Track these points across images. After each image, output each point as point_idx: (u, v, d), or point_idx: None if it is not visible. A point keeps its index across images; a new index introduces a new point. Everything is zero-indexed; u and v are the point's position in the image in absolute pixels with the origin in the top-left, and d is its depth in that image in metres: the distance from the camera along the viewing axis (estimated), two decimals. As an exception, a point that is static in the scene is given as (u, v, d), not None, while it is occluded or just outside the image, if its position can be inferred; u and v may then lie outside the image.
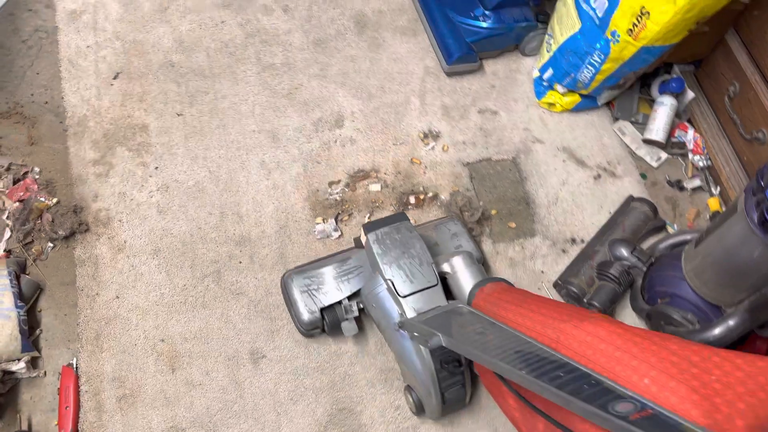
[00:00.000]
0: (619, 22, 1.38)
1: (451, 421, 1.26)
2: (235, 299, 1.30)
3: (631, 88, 1.67)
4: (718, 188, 1.59)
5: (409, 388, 1.20)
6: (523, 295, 1.11)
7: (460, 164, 1.56)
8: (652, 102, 1.68)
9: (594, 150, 1.63)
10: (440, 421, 1.25)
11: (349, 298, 1.23)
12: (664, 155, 1.64)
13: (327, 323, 1.22)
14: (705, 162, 1.61)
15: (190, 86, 1.54)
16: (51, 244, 1.30)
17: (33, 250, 1.29)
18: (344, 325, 1.21)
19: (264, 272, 1.34)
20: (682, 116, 1.67)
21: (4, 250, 1.27)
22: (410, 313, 1.12)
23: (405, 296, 1.13)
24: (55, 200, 1.34)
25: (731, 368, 0.72)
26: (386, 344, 1.26)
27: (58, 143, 1.42)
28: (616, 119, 1.67)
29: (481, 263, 1.34)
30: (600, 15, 1.43)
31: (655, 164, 1.63)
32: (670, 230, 1.53)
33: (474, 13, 1.62)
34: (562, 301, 1.40)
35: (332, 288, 1.23)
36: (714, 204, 1.57)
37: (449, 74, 1.66)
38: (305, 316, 1.21)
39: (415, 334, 1.04)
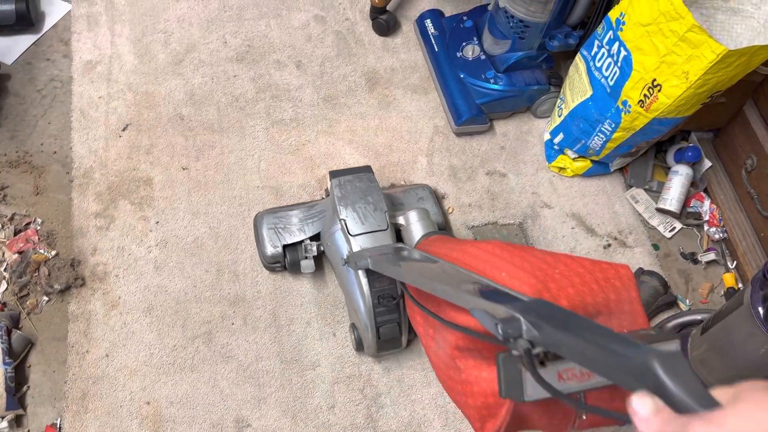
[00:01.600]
0: (631, 92, 1.35)
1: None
2: (225, 363, 1.28)
3: (646, 154, 1.63)
4: (734, 263, 1.53)
5: (352, 326, 1.29)
6: (455, 238, 1.27)
7: (465, 227, 1.52)
8: (667, 169, 1.63)
9: (605, 218, 1.58)
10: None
11: (312, 240, 1.34)
12: (678, 225, 1.58)
13: (288, 259, 1.33)
14: (721, 235, 1.55)
15: (197, 140, 1.55)
16: (46, 298, 1.30)
17: (28, 303, 1.29)
18: (303, 263, 1.31)
19: (256, 334, 1.32)
20: (698, 185, 1.61)
21: (-1, 303, 1.28)
22: (357, 250, 1.22)
23: (354, 235, 1.23)
24: (54, 252, 1.34)
25: (576, 266, 0.84)
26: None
27: (63, 194, 1.43)
28: (629, 186, 1.63)
29: (441, 227, 1.41)
30: (611, 84, 1.40)
31: (668, 234, 1.57)
32: (682, 306, 1.47)
33: (486, 75, 1.60)
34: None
35: (296, 229, 1.35)
36: (729, 280, 1.50)
37: (458, 134, 1.64)
38: (269, 250, 1.33)
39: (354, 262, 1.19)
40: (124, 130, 1.54)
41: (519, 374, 0.61)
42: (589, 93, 1.46)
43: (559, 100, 1.60)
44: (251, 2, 1.79)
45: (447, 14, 1.76)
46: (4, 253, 1.33)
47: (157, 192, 1.46)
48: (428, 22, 1.74)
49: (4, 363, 1.17)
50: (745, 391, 0.43)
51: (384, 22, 1.75)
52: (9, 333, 1.22)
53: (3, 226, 1.36)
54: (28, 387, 1.22)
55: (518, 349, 0.58)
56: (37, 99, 1.55)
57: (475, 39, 1.64)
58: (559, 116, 1.57)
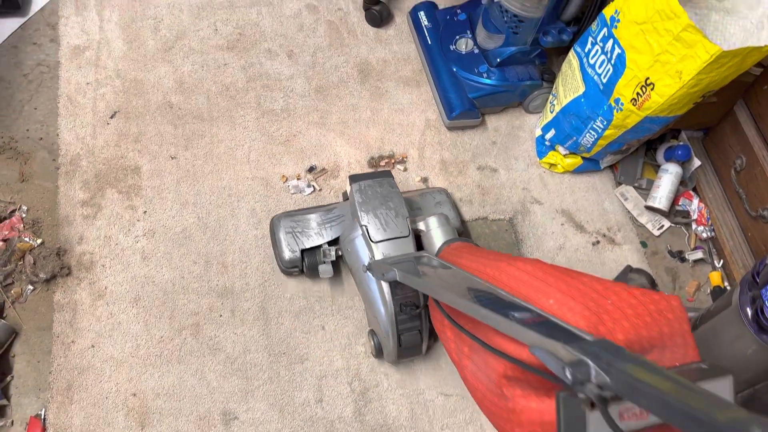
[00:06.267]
0: (624, 90, 1.35)
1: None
2: (212, 355, 1.27)
3: (636, 152, 1.63)
4: (721, 261, 1.54)
5: (372, 332, 1.28)
6: (483, 249, 1.22)
7: (456, 222, 1.52)
8: (657, 167, 1.63)
9: (594, 214, 1.58)
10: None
11: (330, 244, 1.32)
12: (666, 223, 1.59)
13: (306, 264, 1.31)
14: (709, 233, 1.56)
15: (187, 129, 1.53)
16: (31, 287, 1.29)
17: (12, 292, 1.27)
18: (321, 267, 1.30)
19: (244, 327, 1.31)
20: (687, 183, 1.62)
21: (-17, 292, 1.26)
22: (379, 257, 1.20)
23: (377, 242, 1.21)
24: (39, 241, 1.32)
25: (628, 296, 0.82)
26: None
27: (49, 181, 1.41)
28: (618, 183, 1.63)
29: (459, 232, 1.40)
30: (604, 81, 1.40)
31: (656, 232, 1.58)
32: (669, 303, 1.48)
33: (478, 69, 1.59)
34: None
35: (314, 233, 1.33)
36: (716, 278, 1.52)
37: (450, 128, 1.63)
38: (287, 254, 1.31)
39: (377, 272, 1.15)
40: (112, 117, 1.51)
41: (582, 415, 0.59)
42: (582, 90, 1.46)
43: (551, 96, 1.60)
44: (243, -11, 1.77)
45: (441, 7, 1.74)
46: (-12, 241, 1.31)
47: (145, 181, 1.45)
48: (422, 14, 1.72)
49: (-12, 353, 1.15)
50: None
51: (377, 13, 1.73)
52: (-7, 322, 1.20)
53: (-13, 214, 1.34)
54: (12, 377, 1.21)
55: (588, 393, 0.57)
56: (23, 84, 1.53)
57: (468, 32, 1.64)
58: (551, 112, 1.57)
